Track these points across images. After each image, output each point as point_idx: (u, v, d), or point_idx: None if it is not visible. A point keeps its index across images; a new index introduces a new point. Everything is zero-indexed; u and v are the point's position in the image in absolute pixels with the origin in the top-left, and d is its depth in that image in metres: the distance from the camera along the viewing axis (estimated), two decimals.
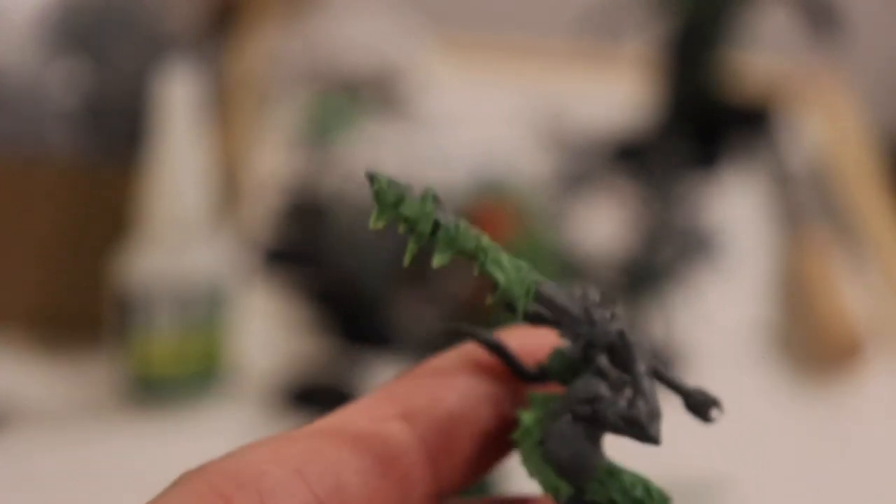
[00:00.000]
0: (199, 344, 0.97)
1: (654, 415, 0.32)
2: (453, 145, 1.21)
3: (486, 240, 0.33)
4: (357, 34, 1.34)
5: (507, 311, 0.34)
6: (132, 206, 0.96)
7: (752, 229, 1.25)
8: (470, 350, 0.34)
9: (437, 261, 0.33)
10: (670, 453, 1.00)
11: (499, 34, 1.55)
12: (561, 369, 0.34)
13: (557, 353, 0.34)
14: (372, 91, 1.32)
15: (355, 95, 1.31)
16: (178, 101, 0.90)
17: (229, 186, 1.06)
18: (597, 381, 0.33)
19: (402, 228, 0.33)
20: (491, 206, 1.04)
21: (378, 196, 0.33)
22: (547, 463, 0.33)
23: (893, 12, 2.24)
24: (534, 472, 0.33)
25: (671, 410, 1.04)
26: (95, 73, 1.04)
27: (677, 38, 1.27)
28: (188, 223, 0.93)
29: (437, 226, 0.33)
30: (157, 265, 0.94)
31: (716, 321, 1.13)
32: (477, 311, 1.01)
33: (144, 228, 0.94)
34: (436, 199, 0.33)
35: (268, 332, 1.07)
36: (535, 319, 0.34)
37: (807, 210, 1.25)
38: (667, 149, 1.26)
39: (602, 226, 1.20)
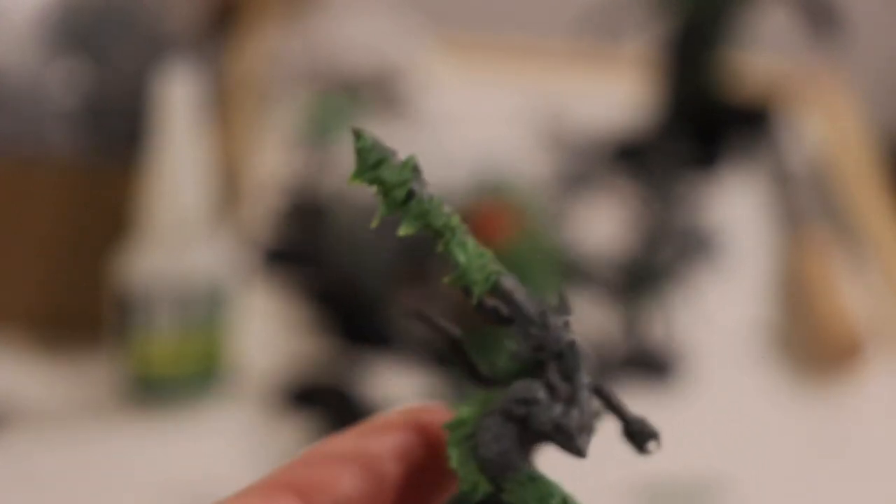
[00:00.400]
0: (199, 344, 0.97)
1: (585, 428, 0.32)
2: (453, 145, 1.21)
3: (455, 220, 0.33)
4: (357, 34, 1.34)
5: (465, 295, 0.33)
6: (132, 206, 0.96)
7: (752, 229, 1.25)
8: (375, 425, 0.34)
9: (404, 230, 0.33)
10: (670, 453, 1.00)
11: (499, 34, 1.55)
12: (511, 373, 0.34)
13: (507, 356, 0.34)
14: (372, 91, 1.32)
15: (355, 95, 1.31)
16: (178, 101, 0.90)
17: (229, 186, 1.06)
18: (537, 385, 0.32)
19: (376, 191, 0.33)
20: (491, 206, 1.04)
21: (359, 154, 0.33)
22: (472, 457, 0.33)
23: (893, 12, 2.24)
24: (457, 464, 0.33)
25: (672, 411, 1.04)
26: (95, 73, 1.04)
27: (677, 38, 1.27)
28: (188, 223, 0.93)
29: (411, 194, 0.33)
30: (157, 265, 0.94)
31: (716, 321, 1.13)
32: (475, 313, 1.00)
33: (144, 228, 0.94)
34: (415, 169, 0.33)
35: (268, 332, 1.07)
36: (488, 313, 0.34)
37: (807, 210, 1.25)
38: (667, 149, 1.26)
39: (602, 226, 1.20)
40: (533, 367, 0.33)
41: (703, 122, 1.30)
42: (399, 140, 1.21)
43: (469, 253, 0.33)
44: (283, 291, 1.11)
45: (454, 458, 0.33)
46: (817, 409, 1.06)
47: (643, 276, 1.10)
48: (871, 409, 1.07)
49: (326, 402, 1.00)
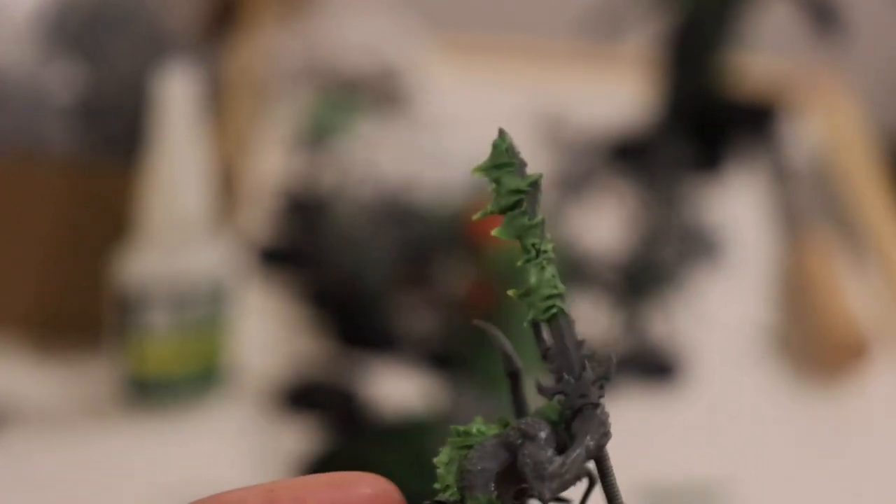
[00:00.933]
0: (198, 344, 0.97)
1: (559, 479, 0.33)
2: (453, 145, 1.20)
3: (548, 247, 0.35)
4: (357, 34, 1.34)
5: (525, 303, 0.35)
6: (131, 206, 0.95)
7: (753, 229, 1.25)
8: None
9: (498, 232, 0.35)
10: (671, 454, 1.00)
11: (499, 35, 1.55)
12: (545, 418, 0.35)
13: (536, 385, 0.35)
14: (371, 91, 1.32)
15: (355, 95, 1.31)
16: (177, 100, 0.90)
17: (228, 186, 1.05)
18: (544, 426, 0.34)
19: (490, 188, 0.35)
20: None
21: (493, 150, 0.35)
22: (457, 464, 0.34)
23: (894, 12, 2.24)
24: (442, 462, 0.34)
25: (672, 411, 1.04)
26: (94, 72, 1.03)
27: (678, 37, 1.27)
28: (187, 223, 0.93)
29: (518, 205, 0.35)
30: (156, 265, 0.93)
31: (716, 321, 1.13)
32: (475, 313, 1.00)
33: (143, 228, 0.93)
34: (534, 185, 0.35)
35: (267, 333, 1.07)
36: (536, 336, 0.35)
37: (808, 210, 1.25)
38: (667, 149, 1.26)
39: (602, 226, 1.20)
40: (561, 424, 0.34)
41: (704, 122, 1.30)
42: (399, 140, 1.21)
43: (542, 279, 0.35)
44: (283, 291, 1.11)
45: (443, 455, 0.34)
46: (818, 409, 1.06)
47: (643, 276, 1.10)
48: (872, 410, 1.06)
49: (326, 403, 1.00)
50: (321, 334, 1.06)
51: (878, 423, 1.06)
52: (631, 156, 1.28)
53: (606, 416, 0.34)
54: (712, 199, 1.26)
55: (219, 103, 1.08)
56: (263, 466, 0.95)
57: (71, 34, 1.04)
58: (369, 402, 1.00)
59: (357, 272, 1.06)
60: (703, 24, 1.26)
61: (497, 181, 0.35)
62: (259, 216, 1.18)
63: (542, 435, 0.33)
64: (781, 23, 1.31)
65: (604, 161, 1.28)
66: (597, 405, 0.34)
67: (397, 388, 1.01)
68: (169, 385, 0.97)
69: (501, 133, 0.35)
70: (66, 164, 0.99)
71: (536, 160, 1.29)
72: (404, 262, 1.07)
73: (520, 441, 0.33)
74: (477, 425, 0.35)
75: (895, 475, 1.01)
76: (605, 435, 0.34)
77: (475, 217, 0.35)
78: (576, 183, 1.24)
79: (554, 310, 0.35)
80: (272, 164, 1.26)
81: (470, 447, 0.34)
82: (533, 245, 0.35)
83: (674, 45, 1.28)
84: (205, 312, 0.96)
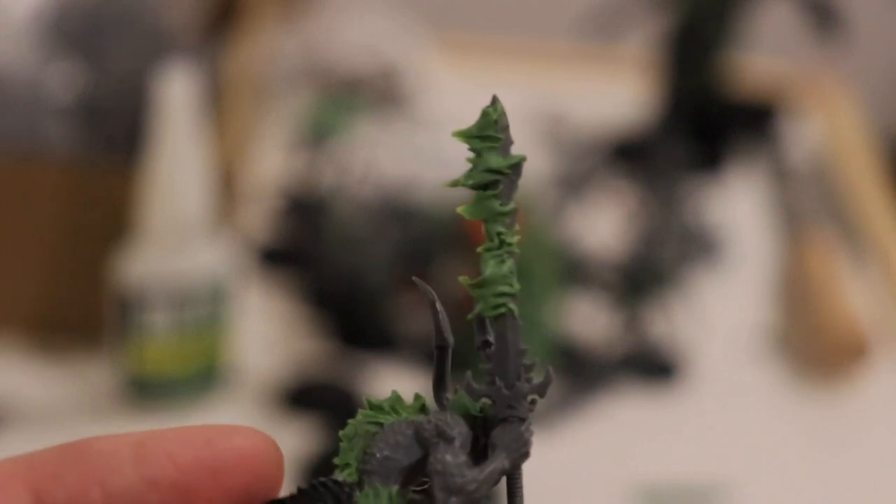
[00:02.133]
0: (198, 344, 0.97)
1: (465, 498, 0.31)
2: (453, 145, 1.20)
3: (513, 239, 0.32)
4: (356, 34, 1.34)
5: (474, 294, 0.32)
6: (131, 206, 0.95)
7: (753, 229, 1.25)
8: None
9: (463, 210, 0.32)
10: (671, 454, 1.00)
11: (499, 35, 1.55)
12: (461, 411, 0.33)
13: (465, 385, 0.33)
14: (371, 91, 1.32)
15: (355, 95, 1.31)
16: (178, 100, 0.90)
17: (228, 186, 1.05)
18: (462, 426, 0.32)
19: (470, 159, 0.32)
20: None
21: (481, 118, 0.32)
22: (361, 443, 0.32)
23: (894, 12, 2.24)
24: (349, 438, 0.32)
25: (672, 411, 1.04)
26: (94, 73, 1.03)
27: (677, 37, 1.27)
28: (187, 223, 0.93)
29: (493, 185, 0.32)
30: (156, 265, 0.93)
31: (716, 321, 1.12)
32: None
33: (143, 228, 0.93)
34: (515, 168, 0.32)
35: (267, 333, 1.07)
36: (479, 332, 0.33)
37: (808, 210, 1.25)
38: (667, 149, 1.26)
39: (602, 226, 1.20)
40: (480, 418, 0.32)
41: (704, 123, 1.30)
42: (399, 140, 1.21)
43: (499, 273, 0.32)
44: (283, 291, 1.11)
45: (349, 427, 0.32)
46: (818, 409, 1.06)
47: (643, 276, 1.10)
48: (872, 410, 1.06)
49: (326, 402, 1.00)
50: (321, 334, 1.06)
51: (878, 423, 1.06)
52: (631, 156, 1.28)
53: (531, 434, 0.32)
54: (712, 199, 1.26)
55: (219, 103, 1.08)
56: None
57: (71, 34, 1.04)
58: None
59: (357, 272, 1.06)
60: (702, 24, 1.26)
61: (476, 151, 0.32)
62: (259, 216, 1.18)
63: (458, 439, 0.31)
64: (781, 23, 1.31)
65: (604, 161, 1.28)
66: (523, 419, 0.32)
67: (397, 388, 1.01)
68: (169, 385, 0.97)
69: (494, 101, 0.32)
70: (66, 164, 0.99)
71: (536, 160, 1.29)
72: (404, 262, 1.07)
73: (434, 440, 0.31)
74: (391, 401, 0.33)
75: (895, 475, 1.01)
76: (525, 455, 0.31)
77: (445, 185, 0.32)
78: (576, 183, 1.24)
79: (503, 309, 0.32)
80: (272, 164, 1.26)
81: (380, 425, 0.32)
82: (498, 234, 0.32)
83: (674, 46, 1.28)
84: (205, 312, 0.96)
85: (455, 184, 0.32)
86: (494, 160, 0.32)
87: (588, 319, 1.08)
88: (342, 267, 1.07)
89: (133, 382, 0.97)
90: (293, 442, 0.97)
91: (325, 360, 1.04)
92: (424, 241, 1.08)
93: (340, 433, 0.32)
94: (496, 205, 0.32)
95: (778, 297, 1.17)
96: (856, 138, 1.41)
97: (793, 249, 1.20)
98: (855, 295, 1.14)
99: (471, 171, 0.32)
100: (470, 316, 0.33)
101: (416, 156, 1.18)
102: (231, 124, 1.09)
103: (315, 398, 1.00)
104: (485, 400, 0.32)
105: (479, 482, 0.31)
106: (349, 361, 1.03)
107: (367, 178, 1.14)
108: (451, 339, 0.34)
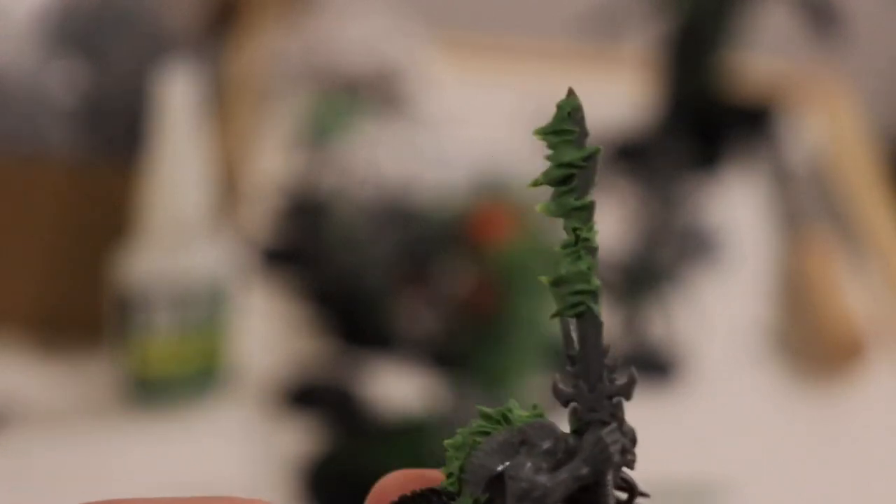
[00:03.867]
0: (198, 344, 0.97)
1: (521, 496, 0.30)
2: (453, 145, 1.21)
3: (592, 235, 0.32)
4: (357, 34, 1.34)
5: (552, 294, 0.31)
6: (132, 206, 0.96)
7: (753, 229, 1.25)
8: None
9: (543, 208, 0.31)
10: (671, 454, 1.00)
11: (498, 34, 1.55)
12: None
13: (552, 385, 0.32)
14: (371, 91, 1.32)
15: (355, 95, 1.31)
16: (178, 100, 0.90)
17: (229, 186, 1.06)
18: (551, 434, 0.30)
19: (545, 155, 0.31)
20: (490, 206, 1.04)
21: (555, 113, 0.31)
22: (466, 452, 0.31)
23: (894, 12, 2.24)
24: (455, 447, 0.31)
25: (672, 411, 1.04)
26: (95, 73, 1.04)
27: (677, 37, 1.27)
28: (188, 223, 0.93)
29: (569, 180, 0.31)
30: (157, 265, 0.93)
31: (716, 321, 1.13)
32: (475, 313, 1.00)
33: (144, 228, 0.93)
34: (590, 160, 0.31)
35: (268, 332, 1.07)
36: (563, 332, 0.32)
37: (807, 210, 1.25)
38: (667, 149, 1.26)
39: (602, 226, 1.20)
40: (585, 423, 0.31)
41: (704, 122, 1.30)
42: (399, 140, 1.21)
43: (576, 271, 0.31)
44: (283, 291, 1.11)
45: (458, 437, 0.31)
46: (817, 408, 1.06)
47: (643, 275, 1.10)
48: (871, 409, 1.07)
49: (326, 402, 1.00)
50: (321, 334, 1.07)
51: (877, 423, 1.06)
52: (631, 156, 1.28)
53: (616, 438, 0.30)
54: (712, 199, 1.26)
55: (219, 103, 1.08)
56: (264, 466, 0.95)
57: (72, 35, 1.04)
58: (369, 402, 1.00)
59: (357, 272, 1.06)
60: (702, 24, 1.26)
61: (553, 148, 0.31)
62: (260, 216, 1.18)
63: (544, 445, 0.30)
64: (781, 23, 1.31)
65: (603, 161, 1.28)
66: (606, 423, 0.31)
67: (397, 388, 1.02)
68: (170, 384, 0.97)
69: (570, 93, 0.31)
70: (68, 165, 1.00)
71: (536, 160, 1.29)
72: (404, 262, 1.07)
73: (518, 447, 0.30)
74: (502, 411, 0.31)
75: (894, 474, 1.01)
76: (607, 461, 0.30)
77: (529, 185, 0.31)
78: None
79: (582, 307, 0.31)
80: (273, 164, 1.26)
81: (487, 434, 0.31)
82: (574, 230, 0.32)
83: (673, 46, 1.28)
84: (205, 312, 0.96)
85: (535, 183, 0.31)
86: (568, 153, 0.31)
87: None
88: (343, 267, 1.08)
89: (134, 382, 0.97)
90: (293, 442, 0.97)
91: (326, 359, 1.04)
92: (424, 241, 1.08)
93: (446, 443, 0.31)
94: (571, 200, 0.32)
95: (777, 296, 1.17)
96: (855, 138, 1.41)
97: (792, 249, 1.20)
98: (854, 295, 1.14)
99: (547, 168, 0.31)
100: (551, 315, 0.31)
101: (416, 156, 1.18)
102: (232, 124, 1.09)
103: (315, 398, 1.00)
104: (573, 405, 0.31)
105: (547, 489, 0.30)
106: (349, 361, 1.04)
107: (367, 178, 1.14)
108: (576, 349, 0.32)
